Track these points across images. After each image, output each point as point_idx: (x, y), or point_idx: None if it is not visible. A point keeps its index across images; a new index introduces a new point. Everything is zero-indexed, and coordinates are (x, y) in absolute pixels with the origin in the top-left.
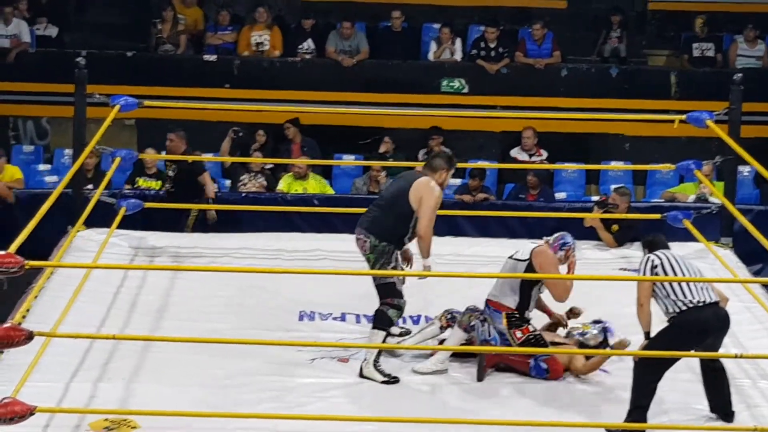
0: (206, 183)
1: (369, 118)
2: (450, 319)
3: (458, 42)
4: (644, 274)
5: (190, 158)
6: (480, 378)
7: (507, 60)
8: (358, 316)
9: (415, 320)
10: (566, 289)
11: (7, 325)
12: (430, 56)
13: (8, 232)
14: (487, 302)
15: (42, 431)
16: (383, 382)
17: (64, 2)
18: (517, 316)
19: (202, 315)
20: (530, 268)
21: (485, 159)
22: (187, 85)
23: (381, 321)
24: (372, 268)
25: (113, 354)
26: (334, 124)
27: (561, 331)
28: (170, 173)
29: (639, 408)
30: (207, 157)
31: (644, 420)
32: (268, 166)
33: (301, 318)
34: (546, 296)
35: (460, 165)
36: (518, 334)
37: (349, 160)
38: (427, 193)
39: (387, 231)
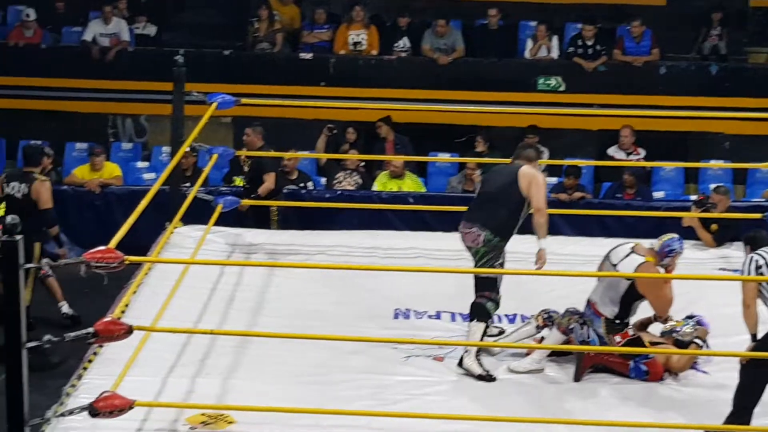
0: (265, 181)
1: (464, 117)
2: (546, 318)
3: (555, 40)
4: (748, 274)
5: (287, 155)
6: (577, 378)
7: (604, 58)
8: (453, 314)
9: (511, 319)
10: (669, 304)
11: (107, 319)
12: (527, 54)
13: (107, 228)
14: (589, 304)
15: (140, 425)
16: (479, 377)
17: (162, 2)
18: (617, 322)
19: (297, 312)
20: (634, 286)
21: (582, 157)
22: (283, 83)
23: (479, 313)
24: (479, 260)
25: (210, 350)
26: (430, 122)
27: (654, 330)
28: (245, 168)
29: (744, 409)
30: (303, 154)
31: (748, 422)
32: (362, 164)
33: (396, 316)
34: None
35: (557, 163)
36: (617, 339)
37: (443, 158)
38: (534, 177)
39: (502, 225)
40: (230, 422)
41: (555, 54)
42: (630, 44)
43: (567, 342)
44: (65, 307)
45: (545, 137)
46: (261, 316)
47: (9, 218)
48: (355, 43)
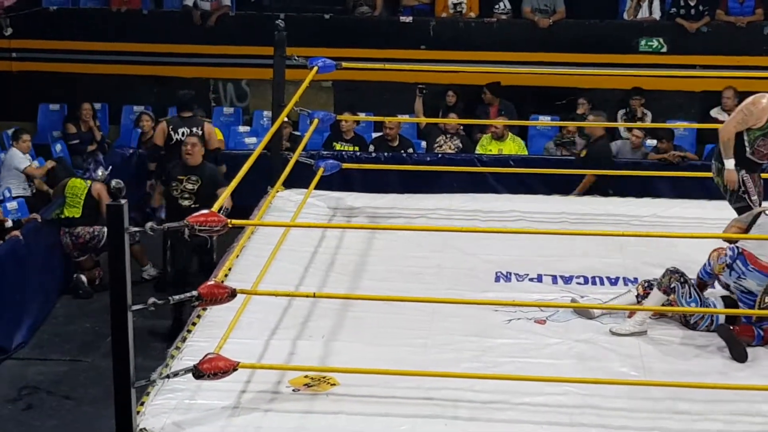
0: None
1: (565, 79)
2: (647, 287)
3: (656, 0)
4: None
5: (389, 119)
6: (741, 357)
7: (707, 18)
8: (554, 277)
9: (613, 281)
10: None
11: (211, 282)
12: (625, 15)
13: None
14: (745, 255)
15: (244, 387)
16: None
17: None
18: None
19: (398, 275)
20: None
21: (684, 119)
22: (383, 47)
23: None
24: (723, 192)
25: (312, 312)
26: (531, 84)
27: None
28: (189, 186)
29: None
30: (404, 118)
31: None
32: (462, 128)
33: (497, 279)
34: None
35: (656, 126)
36: None
37: (543, 121)
38: (748, 101)
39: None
40: (333, 384)
41: (657, 15)
42: (733, 4)
43: (669, 302)
44: (151, 270)
45: (647, 99)
46: (362, 279)
47: (114, 182)
48: (456, 5)
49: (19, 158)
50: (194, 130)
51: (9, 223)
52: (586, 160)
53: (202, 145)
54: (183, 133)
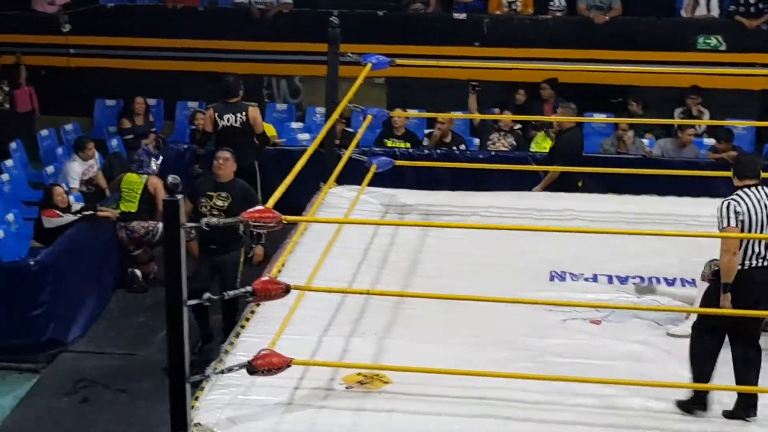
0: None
1: (620, 77)
2: None
3: None
4: (727, 220)
5: (441, 116)
6: None
7: (767, 16)
8: (610, 277)
9: (670, 282)
10: None
11: (265, 278)
12: (683, 12)
13: (263, 188)
14: None
15: (297, 383)
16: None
17: None
18: None
19: (452, 273)
20: None
21: (742, 117)
22: (436, 44)
23: None
24: None
25: (365, 309)
26: (586, 82)
27: None
28: (219, 203)
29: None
30: (457, 114)
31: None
32: (518, 126)
33: (551, 278)
34: None
35: (714, 123)
36: None
37: (598, 118)
38: None
39: None
40: (386, 382)
41: (715, 12)
42: None
43: None
44: None
45: (705, 96)
46: (415, 276)
47: (170, 178)
48: (510, 3)
49: (74, 172)
50: (238, 115)
51: (75, 207)
52: (554, 150)
53: (234, 160)
54: (228, 119)
